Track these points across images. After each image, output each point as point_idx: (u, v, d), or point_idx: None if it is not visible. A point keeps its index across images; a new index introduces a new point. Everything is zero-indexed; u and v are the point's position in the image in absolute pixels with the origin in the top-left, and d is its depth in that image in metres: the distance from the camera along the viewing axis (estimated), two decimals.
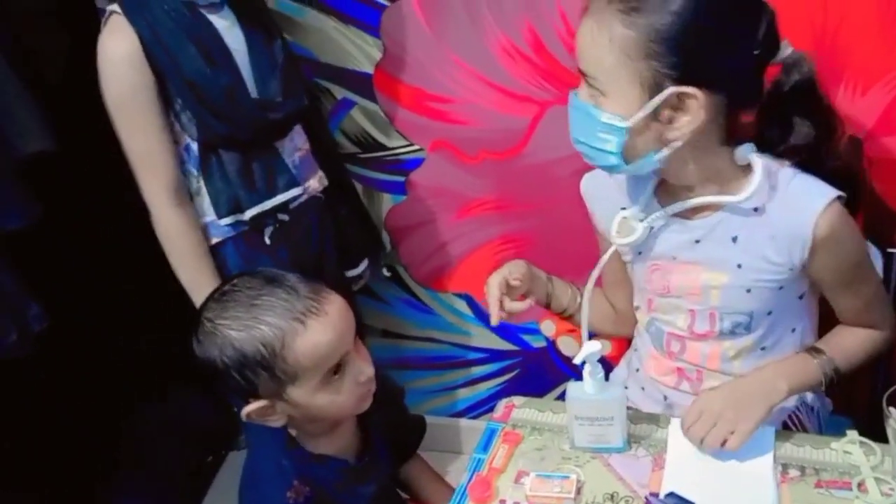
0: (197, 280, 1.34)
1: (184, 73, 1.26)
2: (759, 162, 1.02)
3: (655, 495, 1.01)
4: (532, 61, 1.48)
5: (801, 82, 1.02)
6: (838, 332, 1.15)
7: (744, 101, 1.02)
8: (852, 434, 1.06)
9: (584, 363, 1.04)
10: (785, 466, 1.03)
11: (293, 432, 1.08)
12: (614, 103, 0.98)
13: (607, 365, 1.70)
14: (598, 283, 1.20)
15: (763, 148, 1.05)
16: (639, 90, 0.96)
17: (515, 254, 1.70)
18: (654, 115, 0.97)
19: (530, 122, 1.53)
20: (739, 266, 1.08)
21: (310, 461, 1.07)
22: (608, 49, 0.95)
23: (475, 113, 1.56)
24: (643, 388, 1.26)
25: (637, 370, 1.28)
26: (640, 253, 1.16)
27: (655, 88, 0.96)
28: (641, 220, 1.11)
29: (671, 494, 1.00)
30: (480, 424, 1.33)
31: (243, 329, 0.98)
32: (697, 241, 1.10)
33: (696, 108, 0.96)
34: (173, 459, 1.94)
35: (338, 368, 1.01)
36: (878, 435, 1.02)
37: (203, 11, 1.29)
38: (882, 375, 1.26)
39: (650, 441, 1.11)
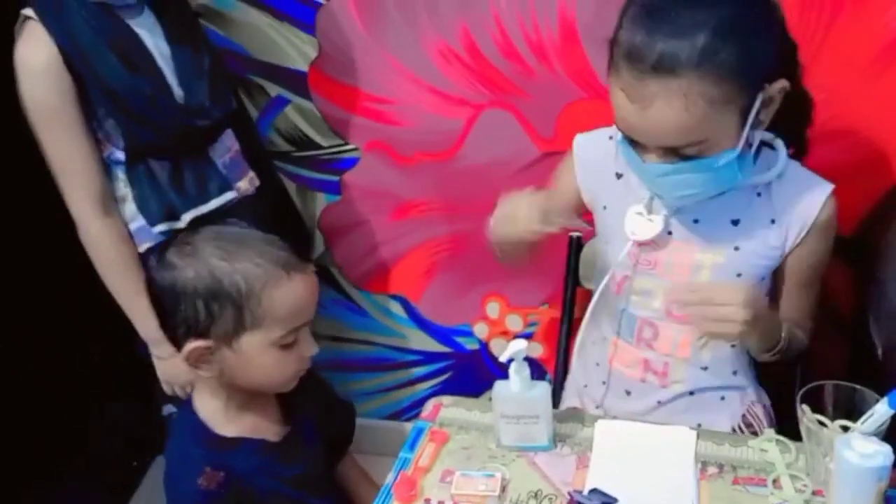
0: (126, 289, 1.31)
1: (104, 82, 1.22)
2: (777, 138, 1.07)
3: (579, 492, 1.01)
4: (467, 64, 1.49)
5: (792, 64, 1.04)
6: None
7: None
8: (769, 432, 1.09)
9: (510, 361, 1.05)
10: (704, 464, 1.05)
11: (206, 414, 1.06)
12: (721, 144, 0.99)
13: (537, 366, 1.73)
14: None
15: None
16: (738, 117, 0.98)
17: (450, 256, 1.71)
18: (752, 124, 0.99)
19: (465, 124, 1.54)
20: (736, 249, 1.10)
21: (222, 447, 1.04)
22: (711, 111, 0.95)
23: (411, 114, 1.56)
24: (604, 383, 1.25)
25: (597, 364, 1.26)
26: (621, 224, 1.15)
27: (750, 106, 0.98)
28: (657, 213, 1.10)
29: (594, 491, 1.01)
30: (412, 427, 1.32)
31: (229, 260, 0.97)
32: (696, 221, 1.11)
33: (781, 92, 1.00)
34: (99, 464, 1.89)
35: (296, 334, 1.02)
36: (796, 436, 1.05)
37: (121, 15, 1.25)
38: (798, 375, 1.30)
39: (575, 440, 1.11)
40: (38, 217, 1.46)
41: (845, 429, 0.96)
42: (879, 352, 1.19)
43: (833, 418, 0.98)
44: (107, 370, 1.85)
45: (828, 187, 1.09)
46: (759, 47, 0.96)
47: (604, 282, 1.16)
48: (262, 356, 1.00)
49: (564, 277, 1.45)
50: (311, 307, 1.04)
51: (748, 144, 1.02)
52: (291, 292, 0.99)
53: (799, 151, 1.13)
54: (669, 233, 1.13)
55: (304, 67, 1.57)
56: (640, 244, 1.12)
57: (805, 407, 0.97)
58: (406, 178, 1.63)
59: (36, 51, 1.20)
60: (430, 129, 1.56)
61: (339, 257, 1.78)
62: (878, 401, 0.93)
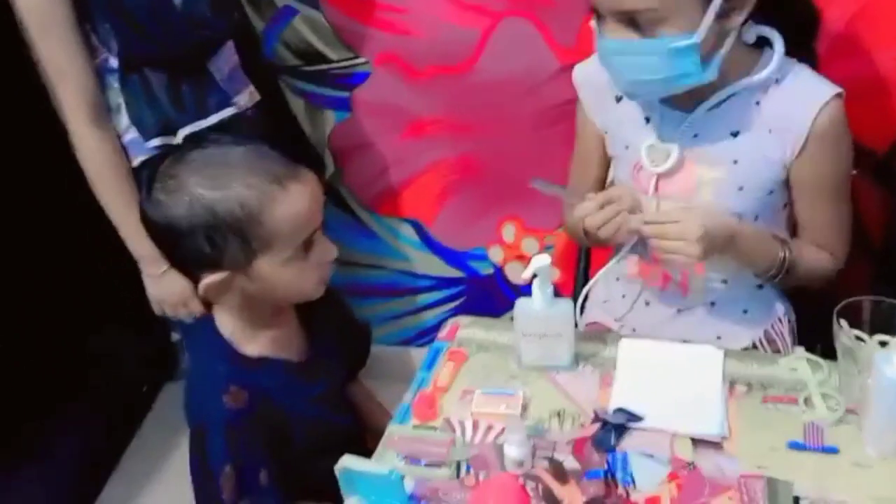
0: (117, 204, 1.26)
1: None
2: (774, 34, 1.00)
3: (603, 410, 0.99)
4: None
5: None
6: (800, 242, 1.13)
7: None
8: (799, 350, 1.06)
9: (532, 279, 1.01)
10: (732, 382, 1.02)
11: (229, 333, 1.02)
12: (676, 24, 0.94)
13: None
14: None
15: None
16: (697, 1, 0.92)
17: (465, 177, 1.65)
18: (716, 14, 0.93)
19: (481, 35, 1.46)
20: (735, 162, 1.06)
21: (246, 365, 1.02)
22: None
23: (424, 23, 1.48)
24: (623, 296, 1.23)
25: (617, 279, 1.24)
26: (627, 147, 1.13)
27: None
28: (671, 142, 1.06)
29: (619, 409, 0.98)
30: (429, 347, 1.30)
31: (218, 188, 0.91)
32: (696, 136, 1.07)
33: None
34: (109, 390, 1.88)
35: (309, 244, 0.97)
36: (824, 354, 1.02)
37: None
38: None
39: (598, 359, 1.08)
40: (36, 138, 1.41)
41: (883, 344, 0.93)
42: None
43: (870, 335, 0.95)
44: (113, 296, 1.82)
45: (825, 93, 1.01)
46: None
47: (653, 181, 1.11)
48: (280, 275, 0.96)
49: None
50: (318, 213, 0.98)
51: (723, 36, 0.97)
52: (292, 206, 0.94)
53: (806, 59, 1.06)
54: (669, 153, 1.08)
55: None
56: (661, 175, 1.09)
57: (843, 322, 0.93)
58: (419, 94, 1.56)
59: None
60: (445, 39, 1.48)
61: (350, 178, 1.73)
62: None
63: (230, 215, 0.91)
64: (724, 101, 1.04)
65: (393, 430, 1.00)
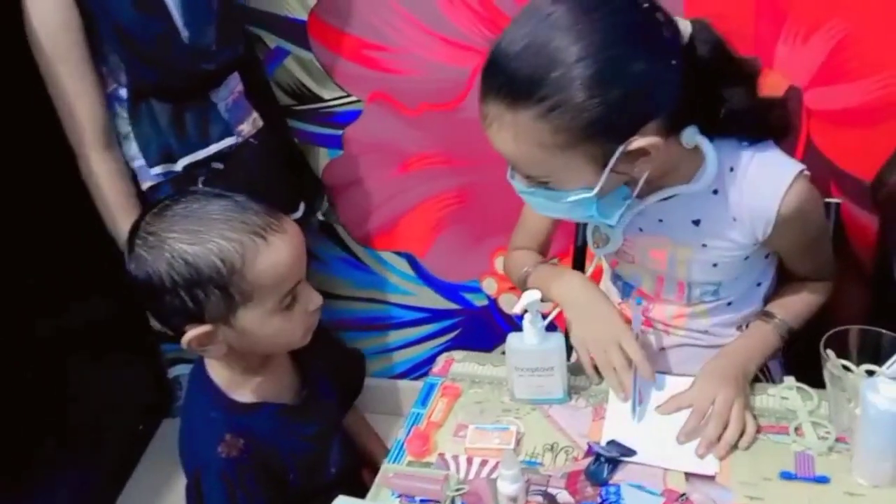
0: (125, 227, 1.27)
1: (113, 19, 1.21)
2: (705, 143, 0.96)
3: (596, 444, 0.99)
4: (473, 8, 1.43)
5: (712, 51, 0.95)
6: (787, 292, 1.15)
7: (688, 106, 0.93)
8: (789, 380, 1.06)
9: (524, 313, 1.02)
10: None
11: (220, 380, 1.03)
12: (571, 184, 0.94)
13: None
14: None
15: (705, 123, 0.97)
16: (590, 164, 0.91)
17: (457, 210, 1.67)
18: (615, 170, 0.92)
19: (471, 72, 1.49)
20: (704, 246, 1.06)
21: (240, 411, 1.01)
22: (545, 154, 0.90)
23: (415, 62, 1.51)
24: None
25: None
26: (585, 225, 1.15)
27: (606, 155, 0.90)
28: (613, 227, 1.06)
29: (612, 442, 0.99)
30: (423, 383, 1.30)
31: (198, 243, 0.90)
32: (661, 221, 1.07)
33: (651, 148, 0.91)
34: (106, 429, 1.88)
35: (292, 294, 0.96)
36: (814, 384, 1.02)
37: None
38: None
39: (590, 392, 1.09)
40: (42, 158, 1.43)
41: (870, 373, 0.94)
42: None
43: (857, 364, 0.96)
44: (110, 332, 1.83)
45: (786, 178, 0.98)
46: (623, 104, 0.86)
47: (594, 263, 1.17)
48: (264, 326, 0.95)
49: (574, 231, 1.42)
50: (300, 264, 0.97)
51: (631, 178, 0.95)
52: (274, 258, 0.92)
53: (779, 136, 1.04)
54: (640, 229, 1.09)
55: (303, 16, 1.52)
56: (635, 255, 1.12)
57: (829, 352, 0.94)
58: (410, 131, 1.59)
59: None
60: (435, 77, 1.51)
61: (344, 214, 1.75)
62: None
63: (212, 269, 0.90)
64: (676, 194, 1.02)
65: (387, 468, 1.00)
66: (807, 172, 1.00)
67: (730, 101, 0.96)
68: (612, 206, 0.99)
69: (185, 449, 1.04)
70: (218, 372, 1.03)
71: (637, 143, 0.89)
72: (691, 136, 0.96)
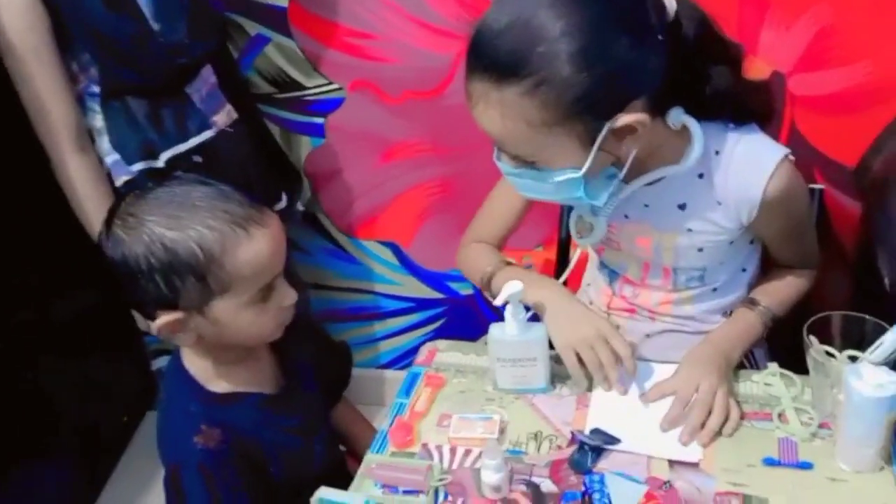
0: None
1: (85, 20, 1.18)
2: (692, 122, 0.96)
3: (581, 432, 0.99)
4: None
5: (698, 27, 0.94)
6: (771, 279, 1.14)
7: (674, 84, 0.93)
8: (773, 366, 1.06)
9: (506, 304, 1.01)
10: None
11: (197, 371, 1.01)
12: (558, 163, 0.93)
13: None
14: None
15: (691, 105, 0.97)
16: (577, 142, 0.90)
17: (442, 198, 1.66)
18: (602, 148, 0.91)
19: (454, 59, 1.47)
20: (690, 230, 1.06)
21: (216, 402, 1.00)
22: (532, 132, 0.89)
23: (397, 49, 1.49)
24: None
25: (591, 303, 1.25)
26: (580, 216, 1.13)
27: (593, 133, 0.89)
28: (597, 214, 1.07)
29: (596, 430, 0.98)
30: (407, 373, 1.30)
31: (179, 228, 0.89)
32: (646, 206, 1.07)
33: (638, 125, 0.90)
34: (90, 421, 1.86)
35: (268, 288, 0.95)
36: (798, 370, 1.02)
37: None
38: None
39: (574, 381, 1.08)
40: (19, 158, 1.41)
41: (853, 359, 0.94)
42: (887, 283, 1.16)
43: (840, 349, 0.96)
44: (93, 324, 1.81)
45: (771, 162, 0.98)
46: (610, 80, 0.86)
47: (577, 253, 1.15)
48: (237, 318, 0.94)
49: (559, 219, 1.41)
50: (280, 258, 0.96)
51: (619, 158, 0.95)
52: (254, 250, 0.91)
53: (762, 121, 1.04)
54: (626, 216, 1.09)
55: (284, 3, 1.50)
56: (620, 240, 1.11)
57: (812, 338, 0.94)
58: (393, 119, 1.57)
59: None
60: (418, 65, 1.50)
61: (327, 203, 1.73)
62: (886, 331, 0.90)
63: (191, 256, 0.89)
64: (662, 177, 1.02)
65: (370, 459, 1.00)
66: (791, 157, 1.00)
67: (715, 80, 0.95)
68: (599, 187, 0.99)
69: (162, 442, 1.03)
70: (195, 363, 1.01)
71: (624, 119, 0.89)
72: (677, 116, 0.96)
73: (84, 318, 1.79)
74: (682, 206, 1.04)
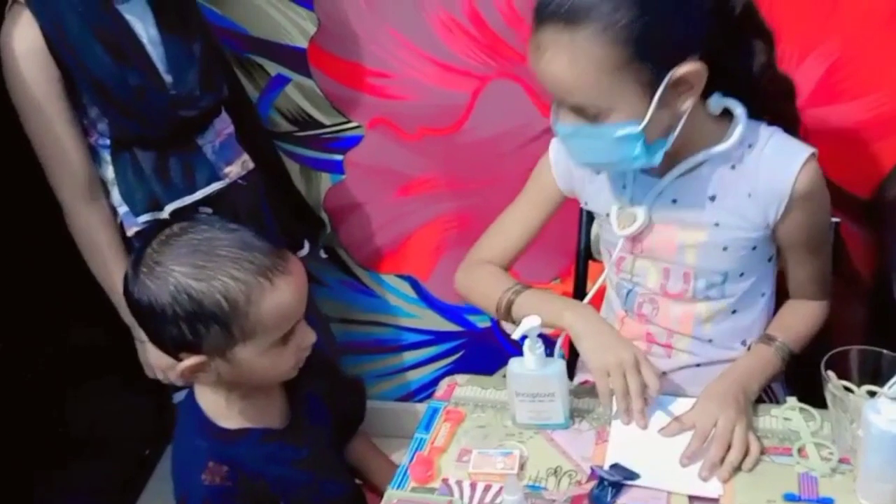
0: (109, 275, 1.29)
1: (90, 72, 1.20)
2: (733, 102, 1.03)
3: (599, 467, 0.99)
4: (471, 34, 1.45)
5: (743, 8, 0.99)
6: (786, 314, 1.16)
7: (720, 52, 0.99)
8: (792, 401, 1.06)
9: (524, 338, 1.02)
10: None
11: (208, 407, 1.03)
12: (621, 114, 0.96)
13: (550, 342, 1.70)
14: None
15: (731, 90, 1.03)
16: (640, 90, 0.95)
17: (459, 232, 1.68)
18: (662, 102, 0.95)
19: (470, 97, 1.50)
20: (717, 224, 1.08)
21: (225, 438, 1.01)
22: (600, 75, 0.93)
23: (414, 88, 1.53)
24: None
25: None
26: (607, 215, 1.15)
27: (656, 81, 0.94)
28: (639, 205, 1.09)
29: (615, 465, 0.99)
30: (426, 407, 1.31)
31: (204, 279, 0.91)
32: (674, 201, 1.09)
33: (695, 77, 0.96)
34: (112, 454, 1.88)
35: (289, 332, 0.97)
36: (817, 402, 1.02)
37: (112, 1, 1.22)
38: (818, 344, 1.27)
39: (593, 415, 1.09)
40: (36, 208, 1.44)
41: (872, 394, 0.94)
42: None
43: (859, 384, 0.96)
44: (115, 357, 1.83)
45: (801, 156, 1.02)
46: (671, 24, 0.92)
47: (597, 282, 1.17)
48: (258, 361, 0.96)
49: (576, 252, 1.42)
50: (302, 305, 0.98)
51: (674, 119, 0.98)
52: (277, 300, 0.93)
53: (787, 126, 1.08)
54: (651, 219, 1.10)
55: (303, 44, 1.54)
56: (643, 239, 1.12)
57: (830, 373, 0.94)
58: (411, 155, 1.60)
59: (21, 36, 1.17)
60: (435, 103, 1.53)
61: (346, 238, 1.76)
62: None
63: (215, 307, 0.91)
64: (696, 167, 1.06)
65: (392, 494, 1.01)
66: (816, 153, 1.04)
67: (757, 57, 1.01)
68: (653, 148, 1.00)
69: (174, 478, 1.04)
70: (206, 399, 1.03)
71: (683, 68, 0.94)
72: (718, 101, 1.02)
73: (105, 351, 1.81)
74: (712, 198, 1.07)
